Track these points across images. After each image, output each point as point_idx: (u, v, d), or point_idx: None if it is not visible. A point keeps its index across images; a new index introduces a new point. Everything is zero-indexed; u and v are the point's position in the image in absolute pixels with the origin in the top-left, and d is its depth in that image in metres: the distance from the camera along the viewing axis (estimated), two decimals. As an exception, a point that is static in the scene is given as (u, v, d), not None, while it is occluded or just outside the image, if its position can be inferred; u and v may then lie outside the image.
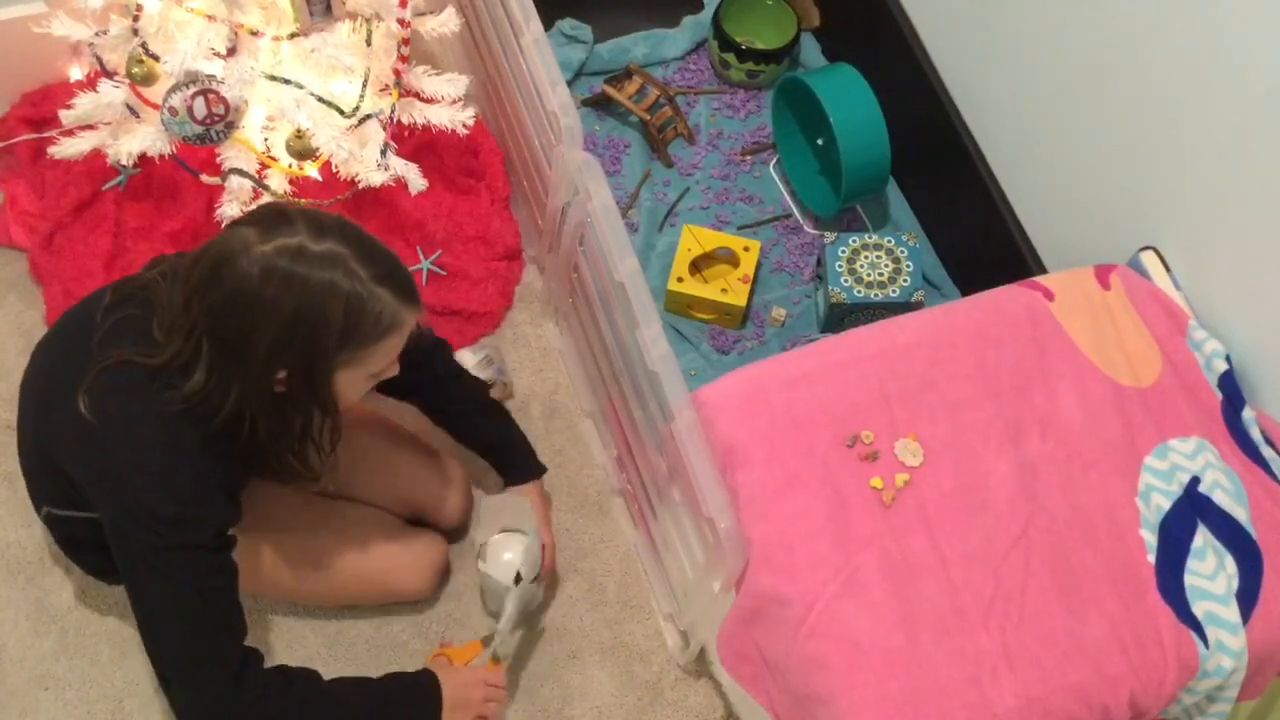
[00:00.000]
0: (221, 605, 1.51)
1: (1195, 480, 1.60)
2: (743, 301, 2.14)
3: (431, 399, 1.88)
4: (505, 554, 1.84)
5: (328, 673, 1.66)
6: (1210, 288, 1.73)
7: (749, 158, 2.38)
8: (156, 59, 1.81)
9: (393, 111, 1.94)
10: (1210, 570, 1.54)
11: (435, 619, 1.95)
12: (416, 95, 2.00)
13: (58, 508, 1.67)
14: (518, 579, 1.80)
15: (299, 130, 1.86)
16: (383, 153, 1.94)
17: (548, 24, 2.23)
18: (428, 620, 1.95)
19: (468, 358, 2.06)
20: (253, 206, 1.95)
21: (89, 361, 1.47)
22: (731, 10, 2.40)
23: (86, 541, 1.72)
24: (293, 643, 1.91)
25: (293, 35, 1.84)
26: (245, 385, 1.43)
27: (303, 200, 1.99)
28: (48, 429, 1.58)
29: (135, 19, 1.80)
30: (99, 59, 1.87)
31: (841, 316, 2.12)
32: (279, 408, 1.47)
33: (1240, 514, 1.58)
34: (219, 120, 1.83)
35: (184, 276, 1.43)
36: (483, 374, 2.04)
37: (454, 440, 1.93)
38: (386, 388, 1.78)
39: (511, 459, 1.92)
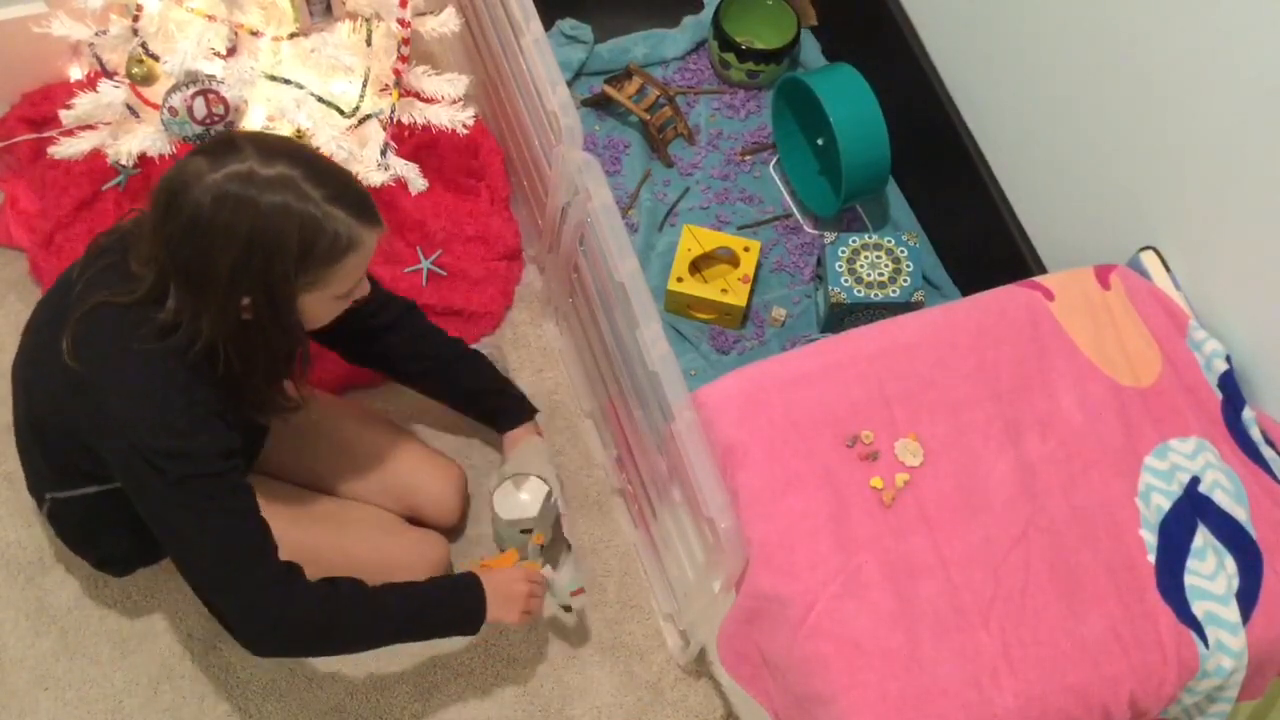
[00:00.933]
0: (248, 524, 1.52)
1: (1195, 480, 1.60)
2: (743, 301, 2.14)
3: (412, 359, 1.89)
4: (522, 495, 1.89)
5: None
6: (1210, 288, 1.73)
7: (749, 158, 2.38)
8: (156, 59, 1.81)
9: (393, 111, 1.94)
10: (1210, 570, 1.54)
11: (435, 619, 1.95)
12: (416, 95, 2.00)
13: (59, 490, 1.67)
14: (542, 510, 1.87)
15: (299, 130, 1.86)
16: (383, 153, 1.94)
17: (548, 24, 2.23)
18: (428, 620, 1.95)
19: None
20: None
21: (68, 317, 1.48)
22: (731, 10, 2.40)
23: (90, 526, 1.72)
24: (293, 643, 1.91)
25: (293, 35, 1.84)
26: (212, 314, 1.44)
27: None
28: (41, 397, 1.59)
29: (135, 19, 1.80)
30: (99, 59, 1.87)
31: (841, 316, 2.12)
32: (248, 336, 1.47)
33: (1240, 514, 1.58)
34: (219, 120, 1.83)
35: (146, 209, 1.46)
36: None
37: (448, 415, 1.94)
38: (367, 356, 1.84)
39: (503, 403, 1.94)
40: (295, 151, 1.43)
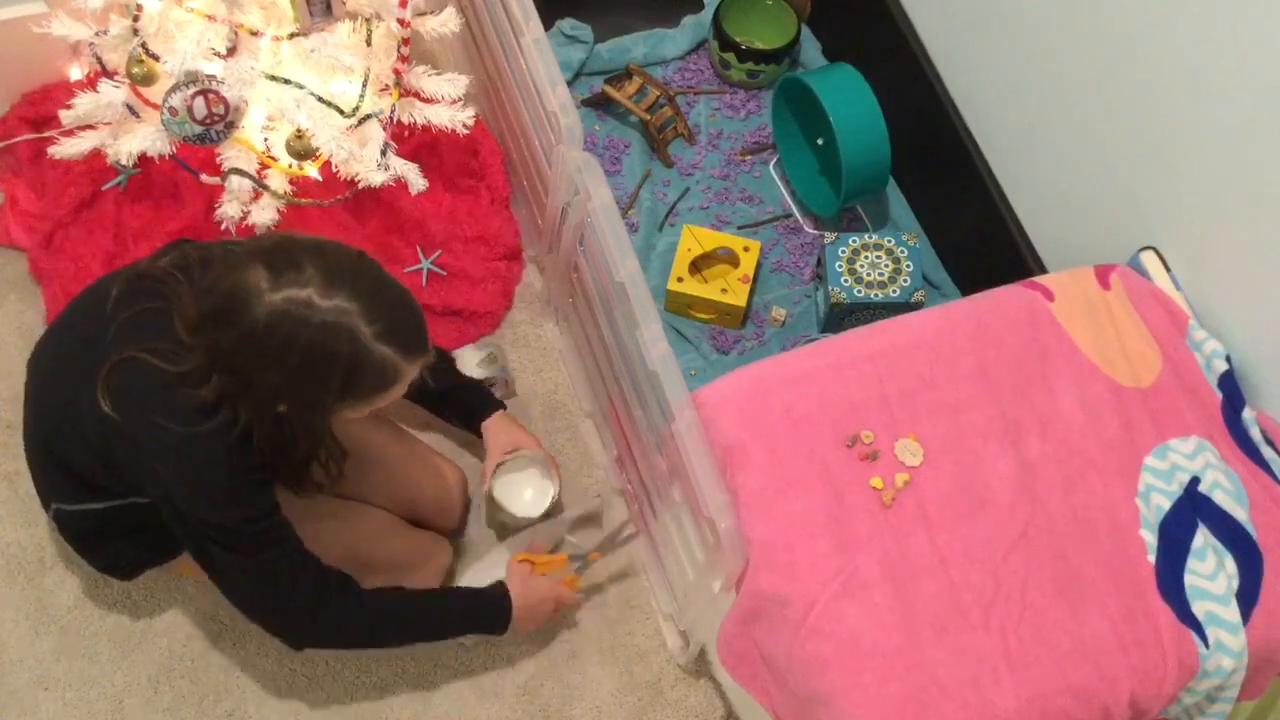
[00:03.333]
0: (285, 560, 1.58)
1: (1195, 480, 1.60)
2: (743, 301, 2.14)
3: None
4: (525, 492, 1.98)
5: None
6: (1210, 288, 1.73)
7: (749, 158, 2.38)
8: (156, 59, 1.81)
9: (393, 111, 1.94)
10: (1210, 570, 1.54)
11: (435, 619, 1.96)
12: (416, 95, 2.00)
13: (68, 503, 1.68)
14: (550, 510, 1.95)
15: (299, 130, 1.86)
16: (383, 152, 1.94)
17: (548, 24, 2.23)
18: (428, 620, 1.95)
19: (470, 355, 2.06)
20: (267, 226, 1.98)
21: (103, 356, 1.49)
22: (731, 10, 2.40)
23: (98, 535, 1.73)
24: (293, 643, 1.91)
25: (293, 35, 1.84)
26: (249, 411, 1.46)
27: (304, 200, 1.99)
28: (65, 425, 1.58)
29: (135, 19, 1.80)
30: (99, 59, 1.87)
31: (841, 316, 2.12)
32: (280, 432, 1.50)
33: (1240, 514, 1.58)
34: (219, 120, 1.83)
35: (198, 296, 1.46)
36: (485, 372, 2.05)
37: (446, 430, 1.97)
38: None
39: (472, 397, 1.95)
40: (358, 277, 1.43)
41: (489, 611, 1.79)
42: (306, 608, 1.61)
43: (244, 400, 1.45)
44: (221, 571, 1.58)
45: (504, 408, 1.97)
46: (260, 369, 1.42)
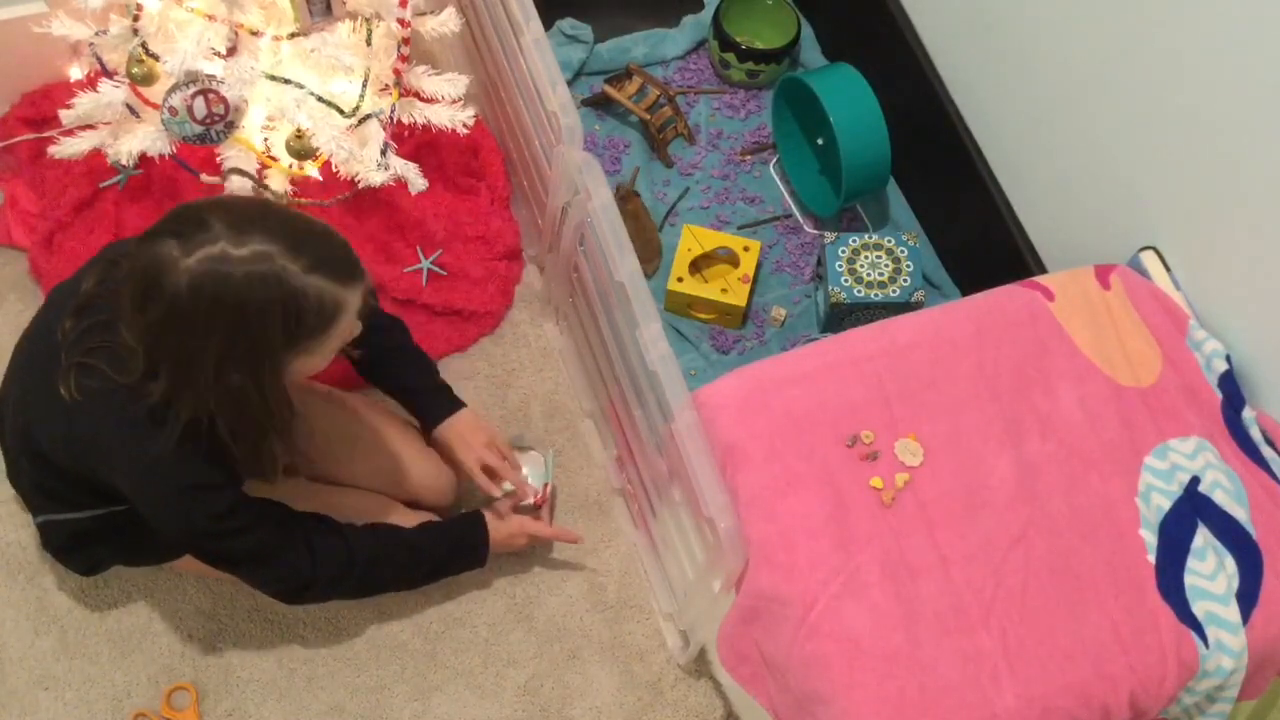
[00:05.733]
0: (271, 538, 1.60)
1: (1195, 480, 1.60)
2: (743, 301, 2.14)
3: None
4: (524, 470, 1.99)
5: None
6: (1210, 288, 1.73)
7: (749, 158, 2.38)
8: (156, 59, 1.81)
9: (393, 111, 1.94)
10: (1210, 570, 1.54)
11: (435, 618, 1.95)
12: (416, 95, 1.99)
13: (49, 514, 1.70)
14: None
15: (299, 130, 1.86)
16: (383, 152, 1.93)
17: (548, 24, 2.23)
18: (427, 620, 1.95)
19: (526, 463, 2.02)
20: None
21: (56, 373, 1.49)
22: (731, 10, 2.40)
23: (79, 541, 1.73)
24: (293, 642, 1.91)
25: (293, 35, 1.84)
26: (200, 396, 1.42)
27: (292, 199, 1.98)
28: (41, 439, 1.59)
29: (135, 19, 1.80)
30: (99, 59, 1.87)
31: (841, 316, 2.12)
32: (236, 409, 1.45)
33: (1240, 514, 1.58)
34: (219, 120, 1.83)
35: (122, 288, 1.42)
36: (538, 479, 2.00)
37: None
38: None
39: (429, 401, 1.91)
40: (266, 219, 1.38)
41: (465, 529, 1.82)
42: (291, 571, 1.63)
43: (191, 389, 1.41)
44: (215, 563, 1.61)
45: (460, 408, 1.92)
46: (197, 342, 1.37)
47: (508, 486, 1.92)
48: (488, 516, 1.86)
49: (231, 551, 1.59)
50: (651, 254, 2.25)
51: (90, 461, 1.52)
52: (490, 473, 1.88)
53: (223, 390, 1.42)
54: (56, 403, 1.48)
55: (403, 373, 1.89)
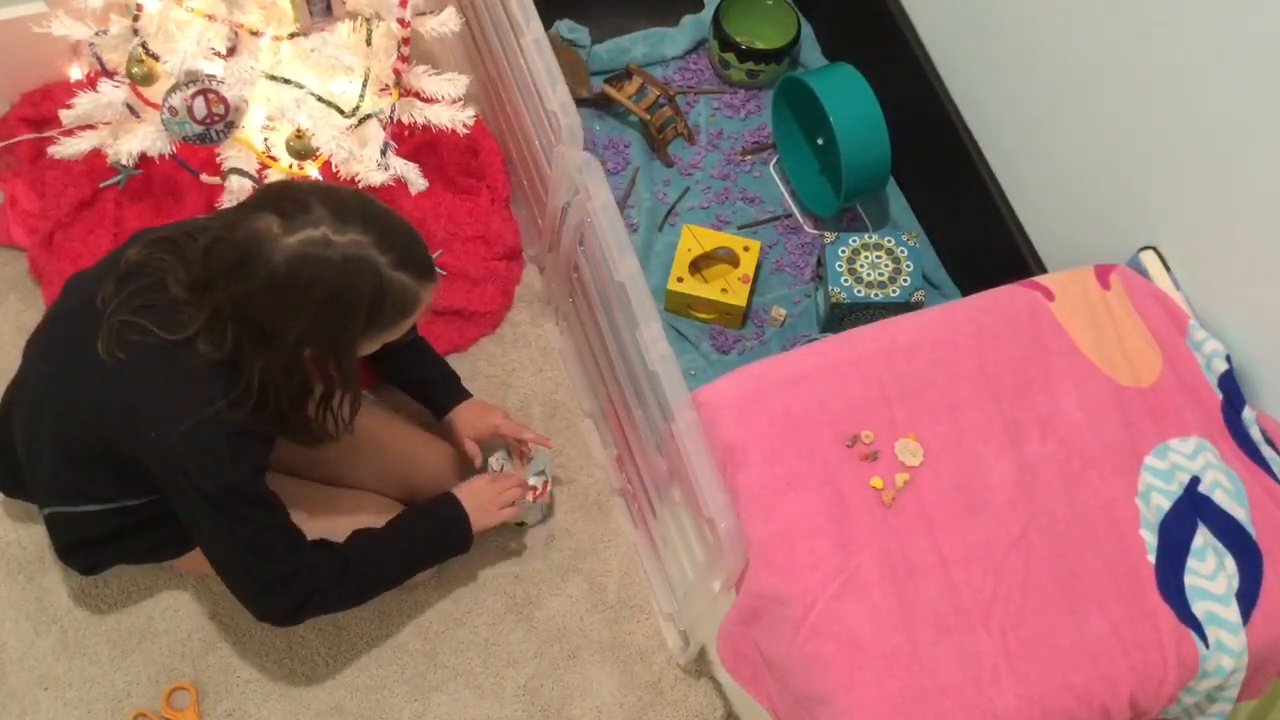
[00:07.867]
0: (269, 534, 1.60)
1: (1195, 480, 1.60)
2: (743, 301, 2.14)
3: None
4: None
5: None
6: (1210, 288, 1.73)
7: (749, 158, 2.38)
8: (156, 59, 1.81)
9: (393, 111, 1.94)
10: (1210, 570, 1.54)
11: (435, 618, 1.95)
12: (416, 95, 2.00)
13: (61, 506, 1.68)
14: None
15: (299, 130, 1.86)
16: (383, 152, 1.94)
17: (548, 24, 2.23)
18: (427, 620, 1.95)
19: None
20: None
21: (90, 345, 1.50)
22: (731, 10, 2.40)
23: (83, 539, 1.73)
24: (293, 643, 1.91)
25: (293, 35, 1.84)
26: (271, 362, 1.48)
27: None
28: (74, 418, 1.59)
29: (135, 19, 1.80)
30: (99, 59, 1.87)
31: (841, 316, 2.12)
32: (302, 379, 1.52)
33: (1240, 514, 1.58)
34: (219, 120, 1.83)
35: (202, 258, 1.47)
36: (537, 478, 2.00)
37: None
38: None
39: (442, 390, 1.96)
40: (366, 212, 1.46)
41: (444, 510, 1.81)
42: (282, 576, 1.62)
43: (265, 357, 1.46)
44: (209, 534, 1.59)
45: (470, 396, 1.97)
46: (284, 316, 1.43)
47: (493, 464, 1.95)
48: (460, 486, 1.86)
49: (248, 519, 1.57)
50: (582, 79, 2.33)
51: (122, 429, 1.52)
52: (518, 450, 1.97)
53: (295, 361, 1.48)
54: (91, 372, 1.51)
55: (415, 363, 1.95)
